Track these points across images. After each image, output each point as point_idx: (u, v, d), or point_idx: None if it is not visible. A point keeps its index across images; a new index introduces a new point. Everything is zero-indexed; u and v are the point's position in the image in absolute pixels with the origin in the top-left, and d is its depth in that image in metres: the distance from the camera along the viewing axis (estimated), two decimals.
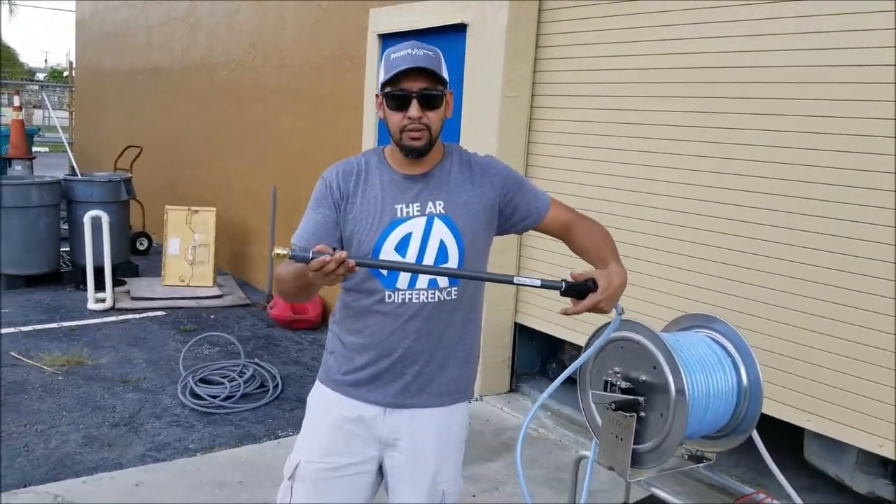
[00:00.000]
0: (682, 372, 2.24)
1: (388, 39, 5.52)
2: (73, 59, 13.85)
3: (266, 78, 7.35)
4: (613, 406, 2.21)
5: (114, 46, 11.39)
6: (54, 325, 6.02)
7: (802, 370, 3.32)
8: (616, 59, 4.11)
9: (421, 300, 2.03)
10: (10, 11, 30.90)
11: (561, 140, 4.49)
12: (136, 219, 9.09)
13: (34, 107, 28.46)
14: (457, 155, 2.13)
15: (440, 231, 2.03)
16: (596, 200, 4.24)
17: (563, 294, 1.90)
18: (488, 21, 4.57)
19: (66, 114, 20.11)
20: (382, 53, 5.64)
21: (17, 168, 10.13)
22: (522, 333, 4.96)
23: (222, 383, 4.68)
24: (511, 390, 4.99)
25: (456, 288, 2.07)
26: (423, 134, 1.97)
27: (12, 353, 5.23)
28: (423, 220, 2.03)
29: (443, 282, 2.04)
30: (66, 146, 9.41)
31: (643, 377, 2.34)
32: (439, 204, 2.05)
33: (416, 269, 1.99)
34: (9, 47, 32.49)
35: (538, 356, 5.12)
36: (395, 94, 1.96)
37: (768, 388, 3.42)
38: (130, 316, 6.38)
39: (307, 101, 6.69)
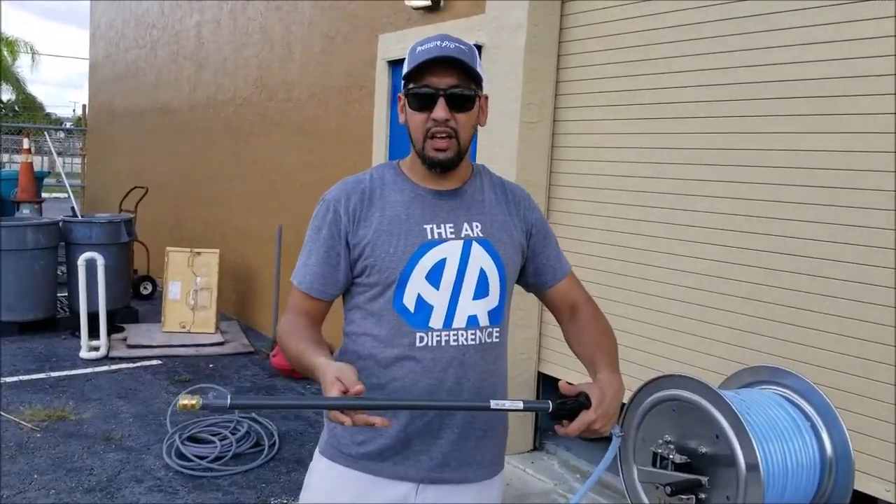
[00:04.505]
0: (753, 442, 1.75)
1: (397, 66, 5.15)
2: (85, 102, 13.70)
3: (272, 112, 7.01)
4: (670, 490, 1.72)
5: (124, 88, 11.18)
6: (42, 375, 5.59)
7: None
8: (649, 78, 3.68)
9: (459, 342, 1.66)
10: (33, 61, 31.23)
11: (589, 169, 4.04)
12: (142, 262, 8.74)
13: (58, 154, 28.63)
14: (486, 175, 1.80)
15: (479, 258, 1.68)
16: (628, 235, 3.79)
17: (552, 416, 1.57)
18: (505, 42, 4.17)
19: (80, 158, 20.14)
20: (392, 82, 5.27)
21: (25, 212, 9.86)
22: (547, 384, 4.46)
23: (212, 442, 4.19)
24: (534, 449, 4.48)
25: (498, 328, 1.71)
26: (451, 143, 1.63)
27: None
28: (459, 243, 1.67)
29: (483, 320, 1.68)
30: (67, 188, 9.16)
31: (703, 448, 1.84)
32: (476, 226, 1.70)
33: (391, 406, 1.55)
34: (33, 98, 32.69)
35: None
36: (418, 93, 1.62)
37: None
38: (124, 365, 5.94)
39: (314, 134, 6.32)
